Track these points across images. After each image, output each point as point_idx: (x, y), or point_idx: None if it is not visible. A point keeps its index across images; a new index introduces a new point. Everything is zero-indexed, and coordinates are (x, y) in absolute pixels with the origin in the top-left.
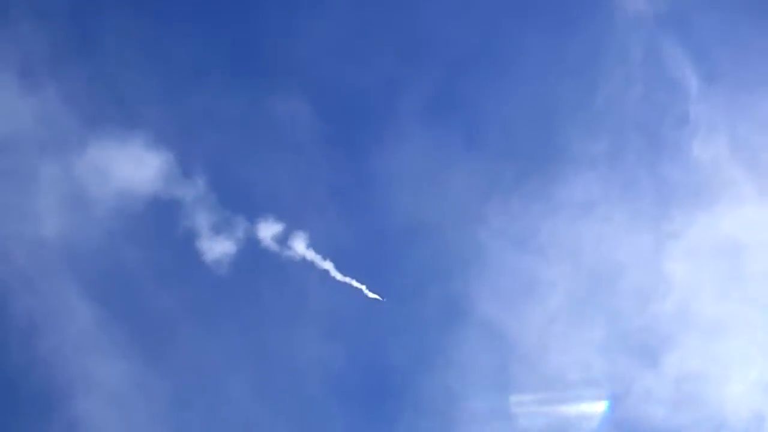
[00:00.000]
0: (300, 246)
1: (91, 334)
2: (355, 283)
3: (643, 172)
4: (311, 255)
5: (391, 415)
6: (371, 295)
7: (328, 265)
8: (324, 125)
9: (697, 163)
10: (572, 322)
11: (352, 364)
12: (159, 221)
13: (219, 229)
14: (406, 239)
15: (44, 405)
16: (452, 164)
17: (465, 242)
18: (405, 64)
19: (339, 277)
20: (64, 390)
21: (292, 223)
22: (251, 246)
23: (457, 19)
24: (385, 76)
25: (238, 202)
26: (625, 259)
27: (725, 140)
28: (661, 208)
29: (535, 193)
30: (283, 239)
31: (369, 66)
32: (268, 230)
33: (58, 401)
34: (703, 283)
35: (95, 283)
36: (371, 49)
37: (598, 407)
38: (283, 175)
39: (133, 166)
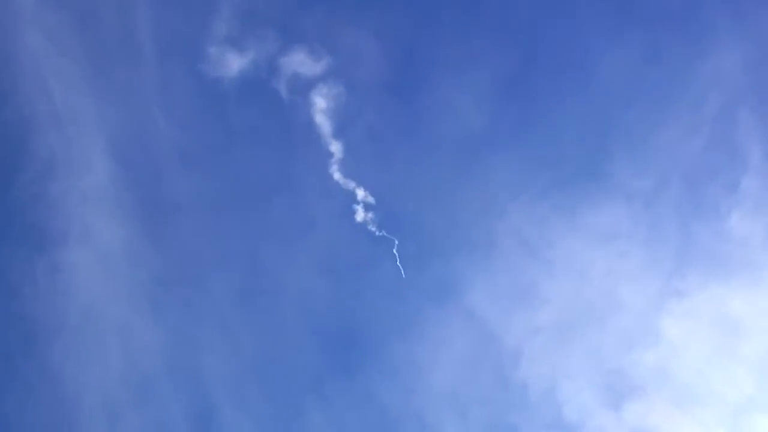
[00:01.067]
0: (319, 103)
1: (102, 190)
2: (360, 193)
3: (674, 224)
4: (324, 122)
5: (356, 367)
6: (382, 232)
7: (335, 148)
8: (386, 69)
9: (730, 233)
10: (554, 340)
11: (334, 308)
12: None
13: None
14: (421, 201)
15: (37, 244)
16: (494, 149)
17: (479, 229)
18: (483, 40)
19: (339, 177)
20: (59, 235)
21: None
22: (266, 72)
23: (549, 14)
24: (462, 46)
25: None
26: (625, 299)
27: (765, 221)
28: (678, 263)
29: (563, 207)
30: (303, 88)
31: (448, 30)
32: (292, 64)
33: (50, 246)
34: (691, 347)
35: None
36: (456, 15)
37: None
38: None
39: None
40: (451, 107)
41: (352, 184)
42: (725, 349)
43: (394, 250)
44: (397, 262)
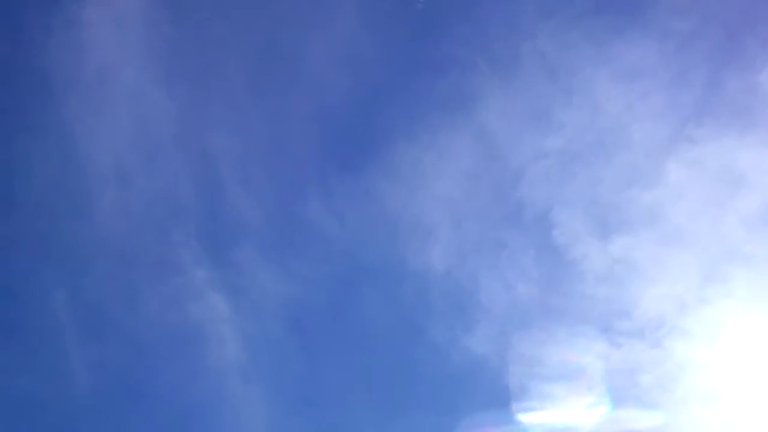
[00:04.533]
0: None
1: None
2: None
3: (704, 70)
4: None
5: (361, 164)
6: None
7: None
8: None
9: (758, 88)
10: (557, 166)
11: (348, 103)
12: None
13: None
14: None
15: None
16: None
17: (504, 45)
18: None
19: None
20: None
21: None
22: None
23: None
24: None
25: None
26: (636, 138)
27: None
28: (697, 110)
29: (594, 36)
30: None
31: None
32: None
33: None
34: (689, 194)
35: None
36: None
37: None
38: None
39: None
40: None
41: None
42: (721, 200)
43: None
44: None
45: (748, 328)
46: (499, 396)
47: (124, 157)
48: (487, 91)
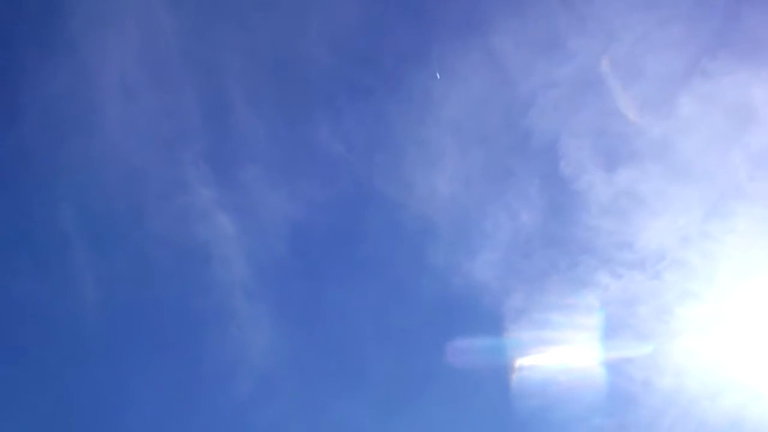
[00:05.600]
0: None
1: None
2: None
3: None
4: None
5: (371, 87)
6: None
7: None
8: None
9: None
10: (567, 96)
11: (358, 27)
12: None
13: None
14: None
15: None
16: None
17: None
18: None
19: None
20: None
21: None
22: None
23: None
24: None
25: None
26: (650, 69)
27: None
28: (714, 43)
29: None
30: None
31: None
32: None
33: None
34: (699, 127)
35: None
36: None
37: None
38: None
39: None
40: None
41: None
42: (730, 136)
43: None
44: None
45: (748, 264)
46: (498, 322)
47: (131, 74)
48: (499, 17)
